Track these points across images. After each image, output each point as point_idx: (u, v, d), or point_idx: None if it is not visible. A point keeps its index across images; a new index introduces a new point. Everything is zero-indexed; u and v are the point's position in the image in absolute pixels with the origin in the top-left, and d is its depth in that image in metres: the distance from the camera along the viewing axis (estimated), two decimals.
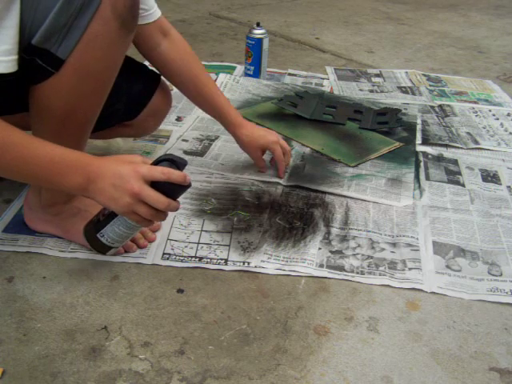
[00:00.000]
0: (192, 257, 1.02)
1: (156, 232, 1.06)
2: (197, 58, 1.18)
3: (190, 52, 1.17)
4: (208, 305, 0.92)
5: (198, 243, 1.05)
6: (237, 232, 1.09)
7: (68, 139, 0.81)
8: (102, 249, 0.92)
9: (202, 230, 1.09)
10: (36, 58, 0.79)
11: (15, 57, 0.75)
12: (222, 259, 1.01)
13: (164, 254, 1.02)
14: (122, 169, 0.78)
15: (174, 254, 1.02)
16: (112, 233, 0.89)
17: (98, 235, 0.90)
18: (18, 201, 1.13)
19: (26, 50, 0.78)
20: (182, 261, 1.00)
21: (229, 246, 1.05)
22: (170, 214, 0.97)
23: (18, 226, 1.05)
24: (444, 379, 0.81)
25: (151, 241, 1.04)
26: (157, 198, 0.80)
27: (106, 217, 0.88)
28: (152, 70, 1.19)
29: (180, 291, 0.94)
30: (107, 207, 0.84)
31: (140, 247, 1.02)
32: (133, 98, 1.14)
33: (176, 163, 0.84)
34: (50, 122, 0.86)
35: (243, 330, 0.87)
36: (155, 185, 0.80)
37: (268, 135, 1.23)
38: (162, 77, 1.19)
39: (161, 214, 0.83)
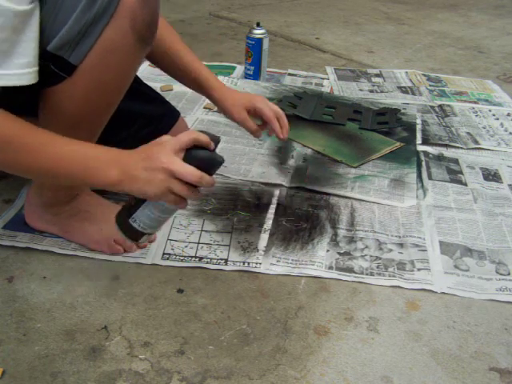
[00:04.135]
0: (192, 257, 1.02)
1: (156, 232, 1.05)
2: (170, 28, 1.11)
3: (165, 26, 1.09)
4: (208, 305, 0.92)
5: (198, 243, 1.05)
6: (237, 232, 1.09)
7: None
8: (135, 235, 0.84)
9: (202, 230, 1.09)
10: (50, 64, 0.80)
11: (36, 68, 0.75)
12: (222, 259, 1.01)
13: (164, 253, 1.02)
14: (149, 150, 0.77)
15: (174, 254, 1.02)
16: (144, 217, 0.82)
17: (130, 220, 0.82)
18: (19, 200, 1.13)
19: (42, 55, 0.78)
20: (182, 261, 1.00)
21: (229, 246, 1.05)
22: None
23: (18, 225, 1.05)
24: (444, 379, 0.81)
25: (151, 241, 1.04)
26: (189, 170, 0.76)
27: (138, 200, 0.82)
28: (173, 108, 1.20)
29: (180, 291, 0.94)
30: (144, 194, 0.79)
31: (140, 247, 1.02)
32: (142, 133, 1.14)
33: (209, 135, 0.80)
34: (59, 125, 0.86)
35: (243, 329, 0.87)
36: (187, 160, 0.77)
37: (253, 95, 1.14)
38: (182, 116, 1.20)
39: (195, 190, 0.79)
